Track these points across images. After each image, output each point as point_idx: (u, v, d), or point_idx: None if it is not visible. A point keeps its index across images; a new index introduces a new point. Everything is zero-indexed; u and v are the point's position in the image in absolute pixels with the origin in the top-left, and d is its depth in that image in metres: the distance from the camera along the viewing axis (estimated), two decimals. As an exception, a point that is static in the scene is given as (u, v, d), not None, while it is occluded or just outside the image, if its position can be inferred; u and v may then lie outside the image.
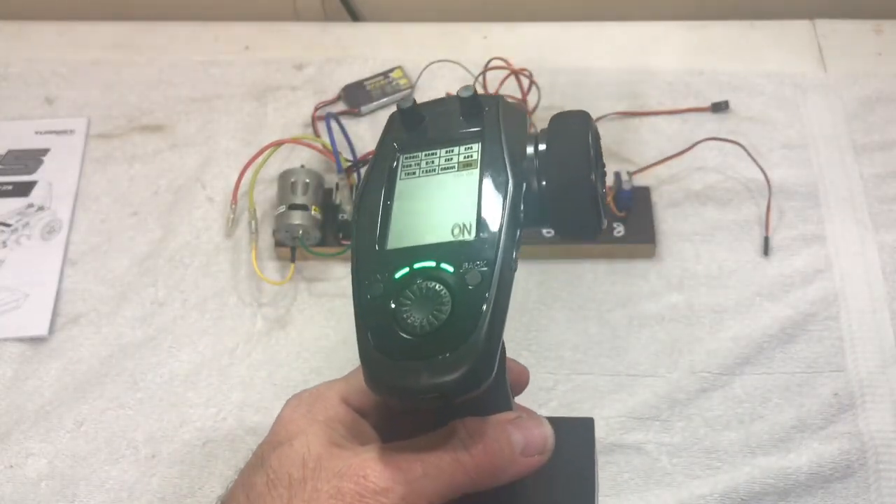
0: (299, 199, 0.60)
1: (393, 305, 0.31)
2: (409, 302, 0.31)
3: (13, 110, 0.70)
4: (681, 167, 0.64)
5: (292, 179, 0.60)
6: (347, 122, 0.67)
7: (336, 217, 0.60)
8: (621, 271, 0.60)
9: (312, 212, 0.59)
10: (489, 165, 0.35)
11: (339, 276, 0.61)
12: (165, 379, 0.57)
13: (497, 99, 0.37)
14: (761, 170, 0.62)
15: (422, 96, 0.68)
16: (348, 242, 0.60)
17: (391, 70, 0.71)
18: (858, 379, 0.54)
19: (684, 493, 0.51)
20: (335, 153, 0.62)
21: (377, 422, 0.36)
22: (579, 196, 0.34)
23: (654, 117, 0.68)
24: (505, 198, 0.33)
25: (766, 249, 0.60)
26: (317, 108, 0.68)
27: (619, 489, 0.51)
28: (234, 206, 0.63)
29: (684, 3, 0.77)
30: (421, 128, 0.37)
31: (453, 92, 0.40)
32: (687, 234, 0.61)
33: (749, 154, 0.63)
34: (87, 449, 0.54)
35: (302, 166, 0.63)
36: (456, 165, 0.35)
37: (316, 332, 0.58)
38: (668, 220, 0.62)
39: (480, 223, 0.33)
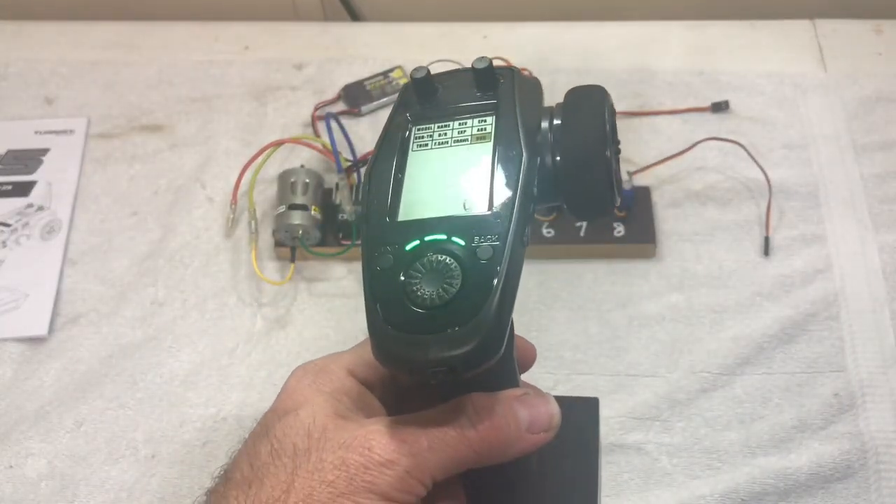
0: (299, 199, 0.60)
1: (402, 278, 0.31)
2: (419, 275, 0.31)
3: (13, 110, 0.70)
4: (681, 167, 0.64)
5: (292, 179, 0.60)
6: (347, 122, 0.67)
7: (336, 217, 0.60)
8: (621, 271, 0.60)
9: (312, 212, 0.59)
10: (503, 139, 0.34)
11: (339, 276, 0.61)
12: (165, 379, 0.57)
13: (512, 71, 0.37)
14: (761, 170, 0.62)
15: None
16: (348, 242, 0.60)
17: (391, 70, 0.71)
18: (859, 379, 0.54)
19: (684, 493, 0.51)
20: (335, 153, 0.62)
21: (383, 395, 0.36)
22: (594, 172, 0.34)
23: (654, 117, 0.68)
24: (518, 172, 0.33)
25: (766, 249, 0.60)
26: (317, 108, 0.68)
27: (619, 489, 0.51)
28: (233, 206, 0.63)
29: (684, 3, 0.77)
30: (434, 99, 0.37)
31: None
32: (687, 234, 0.61)
33: (749, 154, 0.63)
34: (87, 449, 0.54)
35: (302, 166, 0.63)
36: (469, 138, 0.35)
37: (316, 332, 0.58)
38: (668, 220, 0.62)
39: (493, 197, 0.33)
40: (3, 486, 0.52)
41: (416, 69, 0.36)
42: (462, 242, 0.31)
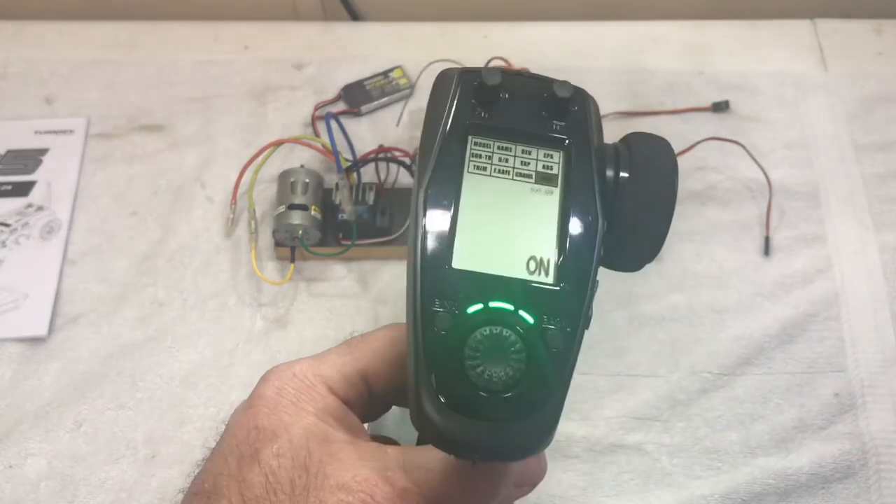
0: (299, 199, 0.60)
1: (462, 345, 0.27)
2: (480, 347, 0.27)
3: (12, 110, 0.70)
4: (681, 167, 0.63)
5: (292, 179, 0.60)
6: (347, 122, 0.67)
7: (336, 217, 0.60)
8: (622, 271, 0.60)
9: (312, 212, 0.59)
10: (574, 191, 0.30)
11: (339, 276, 0.61)
12: (165, 379, 0.56)
13: (586, 98, 0.32)
14: (762, 170, 0.62)
15: (422, 96, 0.68)
16: (348, 242, 0.59)
17: (391, 70, 0.71)
18: (859, 379, 0.54)
19: (685, 493, 0.51)
20: (335, 153, 0.62)
21: (361, 412, 0.35)
22: (653, 242, 0.32)
23: (654, 117, 0.67)
24: (594, 241, 0.29)
25: (766, 249, 0.60)
26: (317, 108, 0.68)
27: (620, 489, 0.51)
28: (233, 206, 0.63)
29: (684, 2, 0.77)
30: (496, 108, 0.31)
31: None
32: (687, 234, 0.61)
33: (750, 154, 0.63)
34: (87, 449, 0.54)
35: (302, 166, 0.62)
36: (533, 175, 0.31)
37: (316, 332, 0.58)
38: (668, 220, 0.62)
39: (563, 266, 0.29)
40: (3, 486, 0.52)
41: (489, 72, 0.31)
42: (531, 321, 0.28)
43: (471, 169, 0.30)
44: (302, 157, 0.66)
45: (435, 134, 0.31)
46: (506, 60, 0.67)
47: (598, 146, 0.32)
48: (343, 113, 0.68)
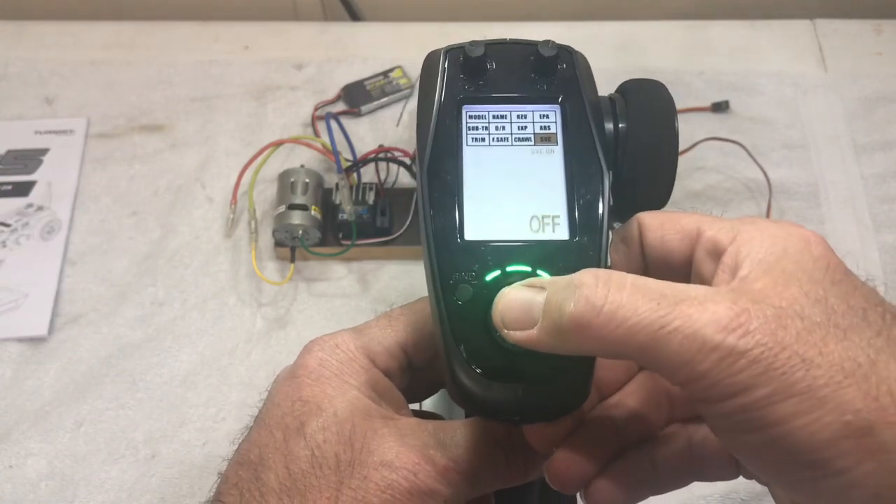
0: (299, 199, 0.60)
1: (486, 314, 0.27)
2: None
3: (13, 110, 0.70)
4: (681, 167, 0.64)
5: (292, 179, 0.60)
6: (347, 122, 0.67)
7: (336, 217, 0.60)
8: (621, 271, 0.60)
9: (312, 212, 0.59)
10: (574, 145, 0.30)
11: (339, 276, 0.61)
12: (165, 379, 0.56)
13: (570, 53, 0.32)
14: (762, 170, 0.62)
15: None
16: (348, 242, 0.59)
17: (391, 70, 0.71)
18: (859, 379, 0.54)
19: (684, 493, 0.50)
20: (335, 153, 0.62)
21: (402, 385, 0.35)
22: (662, 186, 0.31)
23: (654, 117, 0.67)
24: (601, 191, 0.29)
25: (766, 249, 0.60)
26: (316, 108, 0.68)
27: (620, 489, 0.51)
28: (233, 206, 0.63)
29: (684, 2, 0.77)
30: (484, 78, 0.32)
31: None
32: (687, 234, 0.61)
33: (749, 154, 0.63)
34: (87, 449, 0.54)
35: (302, 166, 0.62)
36: (532, 137, 0.31)
37: (316, 332, 0.58)
38: (668, 220, 0.62)
39: (573, 221, 0.29)
40: (3, 486, 0.52)
41: (472, 45, 0.31)
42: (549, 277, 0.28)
43: (469, 142, 0.31)
44: (302, 157, 0.66)
45: (429, 114, 0.31)
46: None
47: (592, 99, 0.32)
48: (343, 113, 0.68)
